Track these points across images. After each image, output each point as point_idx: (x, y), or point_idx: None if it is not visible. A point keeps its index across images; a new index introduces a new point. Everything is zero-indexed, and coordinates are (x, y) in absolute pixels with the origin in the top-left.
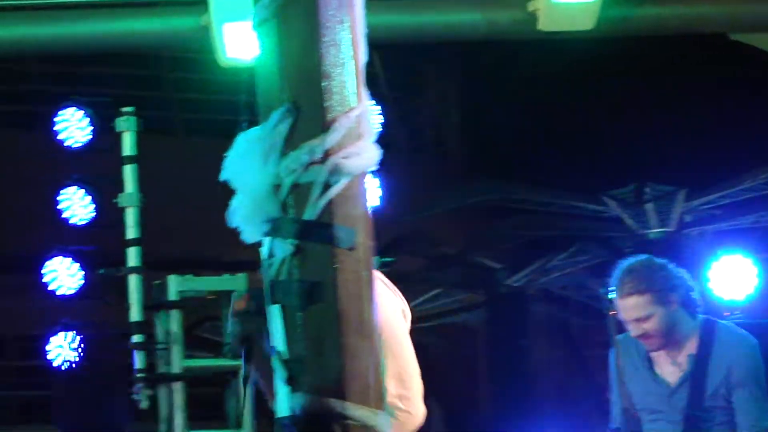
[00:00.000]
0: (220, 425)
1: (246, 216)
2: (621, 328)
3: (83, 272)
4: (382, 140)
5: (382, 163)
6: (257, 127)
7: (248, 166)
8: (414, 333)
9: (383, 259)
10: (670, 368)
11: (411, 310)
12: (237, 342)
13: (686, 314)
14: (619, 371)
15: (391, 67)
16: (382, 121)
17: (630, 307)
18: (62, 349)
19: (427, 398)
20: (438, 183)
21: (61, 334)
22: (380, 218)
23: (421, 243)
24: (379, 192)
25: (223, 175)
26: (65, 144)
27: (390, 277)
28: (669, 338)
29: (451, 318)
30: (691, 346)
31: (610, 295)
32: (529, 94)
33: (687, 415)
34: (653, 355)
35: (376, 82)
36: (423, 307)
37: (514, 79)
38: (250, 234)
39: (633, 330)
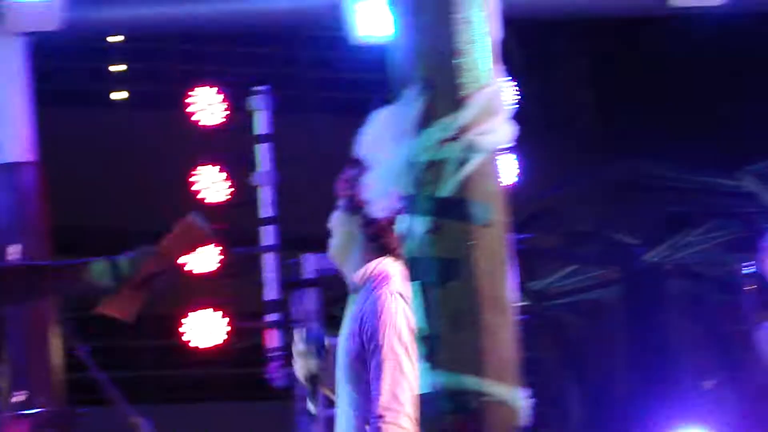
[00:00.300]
0: None
1: (380, 192)
2: (758, 303)
3: (219, 251)
4: (517, 117)
5: (518, 140)
6: (392, 105)
7: (383, 144)
8: (550, 309)
9: (521, 236)
10: None
11: (547, 287)
12: (304, 381)
13: None
14: None
15: (524, 44)
16: (517, 98)
17: None
18: (199, 328)
19: (564, 374)
20: (572, 160)
21: (198, 313)
22: (516, 195)
23: (556, 220)
24: (516, 169)
25: (358, 153)
26: (200, 123)
27: (526, 254)
28: None
29: (587, 294)
30: None
31: (747, 270)
32: (661, 72)
33: None
34: None
35: (510, 59)
36: (559, 283)
37: (645, 56)
38: (384, 210)
39: None
